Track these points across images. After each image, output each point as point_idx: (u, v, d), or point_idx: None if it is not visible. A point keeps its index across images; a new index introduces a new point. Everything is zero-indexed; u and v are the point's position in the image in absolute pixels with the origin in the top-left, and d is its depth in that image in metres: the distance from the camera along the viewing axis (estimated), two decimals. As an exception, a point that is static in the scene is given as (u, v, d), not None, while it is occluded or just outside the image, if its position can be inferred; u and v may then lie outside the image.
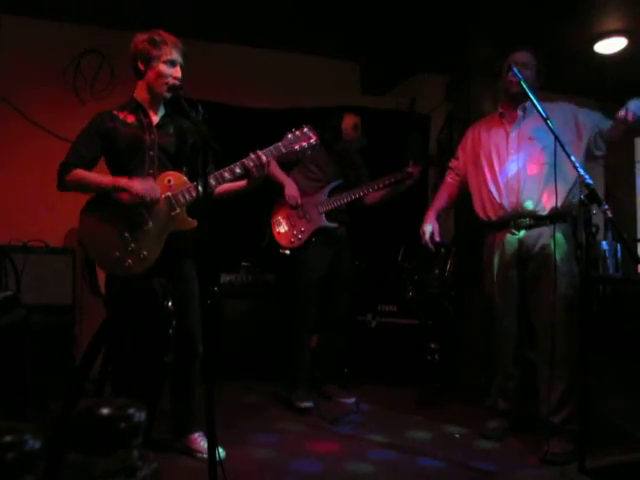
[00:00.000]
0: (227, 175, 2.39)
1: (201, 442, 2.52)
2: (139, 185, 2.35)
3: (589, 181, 2.08)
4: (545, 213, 2.68)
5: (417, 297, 4.06)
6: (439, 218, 3.09)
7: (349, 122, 3.48)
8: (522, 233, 2.74)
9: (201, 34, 4.21)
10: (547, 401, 2.61)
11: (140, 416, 1.42)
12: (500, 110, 2.90)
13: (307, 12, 4.01)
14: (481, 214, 2.89)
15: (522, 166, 2.74)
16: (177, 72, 2.41)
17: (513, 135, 2.81)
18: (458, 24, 3.95)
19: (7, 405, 2.30)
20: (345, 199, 3.39)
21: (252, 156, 2.39)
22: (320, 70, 4.77)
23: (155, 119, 2.49)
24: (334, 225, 3.39)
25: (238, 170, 2.40)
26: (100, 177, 2.41)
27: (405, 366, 3.93)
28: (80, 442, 1.38)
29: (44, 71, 4.12)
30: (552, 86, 2.88)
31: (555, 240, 2.60)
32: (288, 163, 3.42)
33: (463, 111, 4.07)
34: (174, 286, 2.31)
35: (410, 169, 3.42)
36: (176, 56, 2.40)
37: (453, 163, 3.14)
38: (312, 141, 2.48)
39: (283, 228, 3.35)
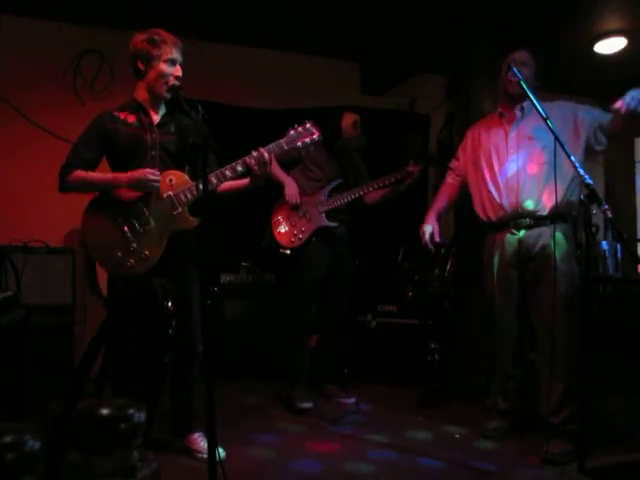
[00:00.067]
0: (228, 173, 2.39)
1: (201, 442, 2.52)
2: (139, 172, 2.35)
3: (589, 181, 2.08)
4: (545, 213, 2.68)
5: (417, 297, 4.06)
6: (440, 219, 3.09)
7: (348, 120, 3.47)
8: (522, 233, 2.74)
9: (201, 34, 4.21)
10: (547, 401, 2.61)
11: (140, 416, 1.42)
12: (500, 110, 2.90)
13: (307, 12, 4.01)
14: (481, 214, 2.89)
15: (522, 166, 2.74)
16: (178, 71, 2.41)
17: (512, 135, 2.81)
18: (458, 24, 3.95)
19: (7, 405, 2.30)
20: (345, 199, 3.39)
21: (254, 153, 2.39)
22: (320, 70, 4.77)
23: (156, 118, 2.49)
24: (334, 224, 3.39)
25: (240, 168, 2.39)
26: (101, 175, 2.42)
27: (405, 366, 3.92)
28: (80, 442, 1.38)
29: (44, 71, 4.12)
30: (552, 86, 2.88)
31: (555, 240, 2.60)
32: (288, 163, 3.42)
33: (463, 111, 4.07)
34: (174, 286, 2.31)
35: (410, 168, 3.42)
36: (176, 55, 2.40)
37: (453, 164, 3.14)
38: (315, 137, 2.47)
39: (283, 228, 3.35)
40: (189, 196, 2.39)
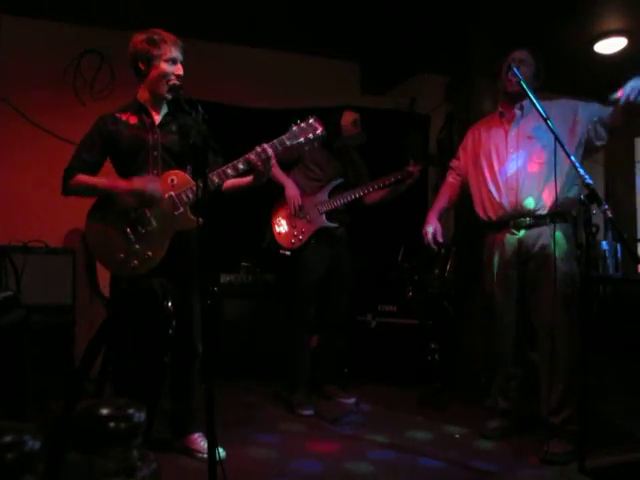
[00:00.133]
0: (230, 171, 2.39)
1: (201, 442, 2.52)
2: (137, 182, 2.35)
3: (589, 181, 2.08)
4: (545, 212, 2.68)
5: (417, 297, 4.06)
6: (441, 218, 3.09)
7: (348, 118, 3.47)
8: (522, 233, 2.74)
9: (201, 34, 4.21)
10: (547, 401, 2.61)
11: (140, 416, 1.42)
12: (500, 109, 2.90)
13: (307, 12, 4.01)
14: (481, 214, 2.89)
15: (521, 165, 2.74)
16: (179, 69, 2.41)
17: (512, 134, 2.81)
18: (458, 24, 3.95)
19: (7, 405, 2.30)
20: (345, 199, 3.39)
21: (257, 149, 2.38)
22: (320, 70, 4.77)
23: (158, 119, 2.49)
24: (335, 225, 3.38)
25: (241, 166, 2.39)
26: (102, 180, 2.43)
27: (405, 366, 3.92)
28: (80, 442, 1.38)
29: (44, 71, 4.12)
30: (552, 86, 2.88)
31: (555, 240, 2.60)
32: (288, 163, 3.42)
33: (463, 111, 4.07)
34: (175, 286, 2.31)
35: (410, 168, 3.42)
36: (176, 54, 2.40)
37: (454, 163, 3.14)
38: (318, 132, 2.45)
39: (283, 229, 3.35)
40: (190, 196, 2.39)
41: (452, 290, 4.08)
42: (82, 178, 2.40)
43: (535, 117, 2.52)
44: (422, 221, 3.08)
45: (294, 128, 2.44)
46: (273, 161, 2.40)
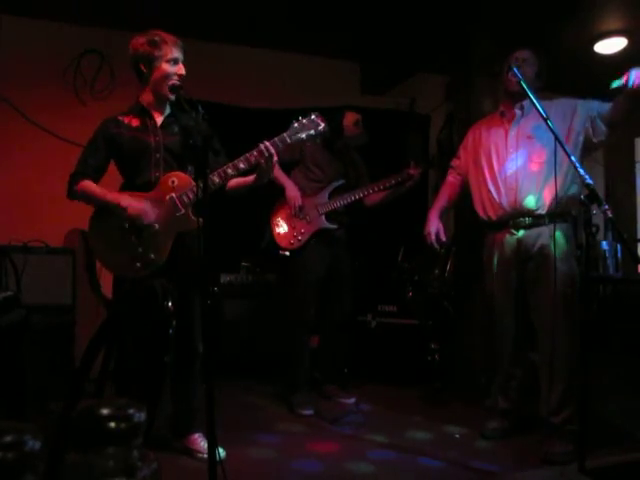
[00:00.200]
0: (230, 171, 2.39)
1: (201, 442, 2.52)
2: (134, 208, 2.35)
3: (589, 181, 2.08)
4: (544, 212, 2.68)
5: (417, 297, 4.06)
6: (442, 217, 3.10)
7: (350, 119, 3.48)
8: (521, 233, 2.73)
9: (201, 34, 4.21)
10: (547, 401, 2.61)
11: (140, 416, 1.42)
12: (501, 109, 2.90)
13: (307, 12, 4.01)
14: (481, 213, 2.89)
15: (521, 164, 2.74)
16: (181, 69, 2.41)
17: (512, 134, 2.81)
18: (458, 24, 3.95)
19: (7, 405, 2.30)
20: (345, 200, 3.39)
21: (260, 147, 2.38)
22: (320, 70, 4.77)
23: (160, 120, 2.49)
24: (334, 226, 3.38)
25: (242, 165, 2.39)
26: (103, 193, 2.43)
27: (405, 366, 3.92)
28: (80, 442, 1.38)
29: (44, 71, 4.12)
30: (552, 86, 2.87)
31: (555, 240, 2.60)
32: (289, 163, 3.42)
33: (463, 111, 4.07)
34: (175, 286, 2.31)
35: (411, 171, 3.41)
36: (177, 54, 2.40)
37: (455, 162, 3.13)
38: (320, 128, 2.44)
39: (283, 229, 3.35)
40: (191, 196, 2.39)
41: (452, 290, 4.07)
42: (86, 186, 2.42)
43: (535, 117, 2.52)
44: (422, 221, 3.08)
45: (295, 124, 2.43)
46: (275, 159, 2.39)
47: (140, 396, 1.88)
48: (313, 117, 2.45)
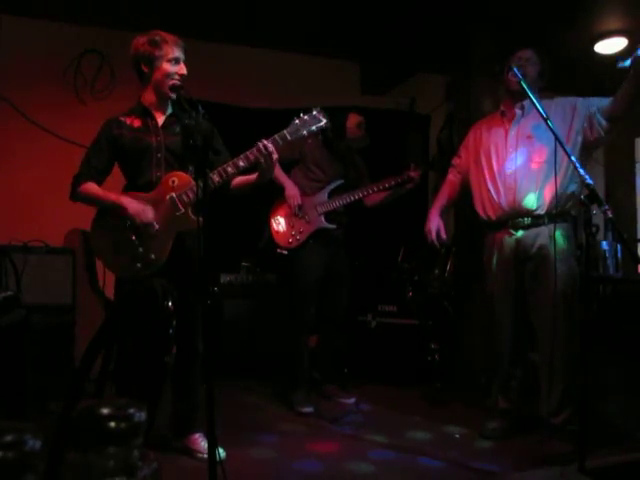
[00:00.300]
0: (230, 170, 2.39)
1: (201, 442, 2.52)
2: (133, 208, 2.37)
3: (589, 181, 2.08)
4: (543, 212, 2.68)
5: (417, 297, 4.06)
6: (442, 215, 3.10)
7: (353, 121, 3.48)
8: (520, 233, 2.73)
9: (200, 34, 4.20)
10: (547, 401, 2.61)
11: (140, 416, 1.42)
12: (502, 108, 2.90)
13: (307, 12, 4.01)
14: (481, 213, 2.89)
15: (520, 164, 2.74)
16: (182, 69, 2.42)
17: (512, 133, 2.81)
18: (458, 24, 3.95)
19: (7, 405, 2.30)
20: (345, 200, 3.39)
21: (259, 145, 2.38)
22: (320, 70, 4.77)
23: (161, 120, 2.49)
24: (333, 226, 3.38)
25: (242, 163, 2.38)
26: (104, 194, 2.44)
27: (405, 366, 3.92)
28: (80, 442, 1.38)
29: (44, 71, 4.12)
30: (552, 86, 2.88)
31: (554, 240, 2.60)
32: (289, 163, 3.42)
33: (463, 111, 4.07)
34: (175, 286, 2.31)
35: (411, 173, 3.41)
36: (178, 53, 2.41)
37: (456, 161, 3.14)
38: (321, 124, 2.43)
39: (282, 228, 3.35)
40: (191, 196, 2.39)
41: (452, 290, 4.08)
42: (88, 188, 2.43)
43: (535, 116, 2.52)
44: (422, 221, 3.09)
45: (296, 121, 2.42)
46: (275, 156, 2.39)
47: (140, 396, 1.88)
48: (314, 113, 2.44)
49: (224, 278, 4.11)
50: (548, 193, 2.65)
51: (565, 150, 2.23)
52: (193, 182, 2.40)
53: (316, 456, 2.60)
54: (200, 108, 2.12)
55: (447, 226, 3.14)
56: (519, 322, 2.82)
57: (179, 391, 2.55)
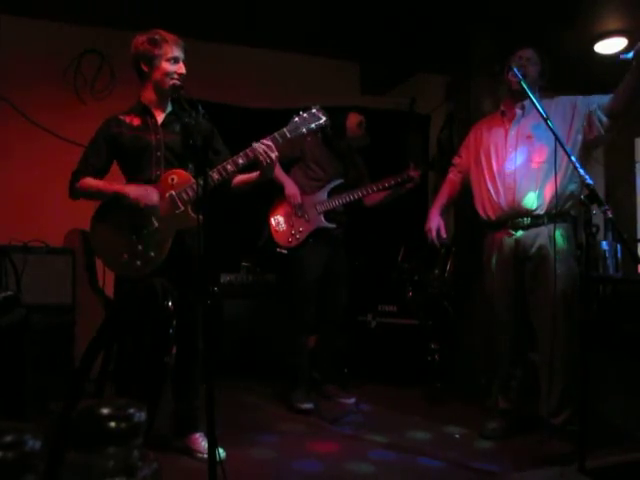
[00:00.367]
0: (230, 167, 2.39)
1: (201, 442, 2.52)
2: (134, 192, 2.37)
3: (589, 181, 2.08)
4: (543, 212, 2.67)
5: (417, 297, 4.06)
6: (442, 214, 3.10)
7: (354, 120, 3.49)
8: (519, 233, 2.74)
9: (200, 34, 4.20)
10: (547, 401, 2.61)
11: (140, 416, 1.42)
12: (502, 108, 2.90)
13: (307, 12, 4.00)
14: (481, 213, 2.90)
15: (520, 164, 2.74)
16: (181, 68, 2.42)
17: (512, 133, 2.81)
18: (458, 24, 3.95)
19: (7, 405, 2.30)
20: (344, 199, 3.39)
21: (254, 145, 2.38)
22: (320, 70, 4.77)
23: (160, 118, 2.49)
24: (332, 226, 3.38)
25: (241, 161, 2.39)
26: (104, 185, 2.45)
27: (405, 366, 3.92)
28: (80, 442, 1.38)
29: (44, 71, 4.12)
30: (552, 86, 2.88)
31: (553, 240, 2.60)
32: (289, 162, 3.42)
33: (463, 111, 4.07)
34: (175, 285, 2.31)
35: (411, 173, 3.41)
36: (178, 53, 2.41)
37: (456, 160, 3.14)
38: (321, 121, 2.43)
39: (281, 227, 3.35)
40: (190, 193, 2.39)
41: (452, 290, 4.07)
42: (88, 182, 2.43)
43: (535, 116, 2.52)
44: (422, 221, 3.09)
45: (296, 119, 2.42)
46: (275, 154, 2.39)
47: (140, 396, 1.88)
48: (314, 110, 2.44)
49: (224, 278, 4.11)
50: (548, 193, 2.65)
51: (565, 150, 2.23)
52: (192, 180, 2.41)
53: (316, 456, 2.60)
54: (200, 108, 2.12)
55: (447, 226, 3.14)
56: (519, 322, 2.82)
57: (179, 391, 2.55)
